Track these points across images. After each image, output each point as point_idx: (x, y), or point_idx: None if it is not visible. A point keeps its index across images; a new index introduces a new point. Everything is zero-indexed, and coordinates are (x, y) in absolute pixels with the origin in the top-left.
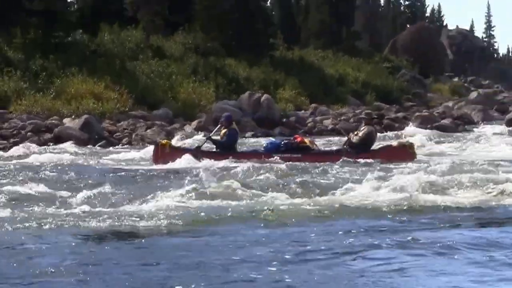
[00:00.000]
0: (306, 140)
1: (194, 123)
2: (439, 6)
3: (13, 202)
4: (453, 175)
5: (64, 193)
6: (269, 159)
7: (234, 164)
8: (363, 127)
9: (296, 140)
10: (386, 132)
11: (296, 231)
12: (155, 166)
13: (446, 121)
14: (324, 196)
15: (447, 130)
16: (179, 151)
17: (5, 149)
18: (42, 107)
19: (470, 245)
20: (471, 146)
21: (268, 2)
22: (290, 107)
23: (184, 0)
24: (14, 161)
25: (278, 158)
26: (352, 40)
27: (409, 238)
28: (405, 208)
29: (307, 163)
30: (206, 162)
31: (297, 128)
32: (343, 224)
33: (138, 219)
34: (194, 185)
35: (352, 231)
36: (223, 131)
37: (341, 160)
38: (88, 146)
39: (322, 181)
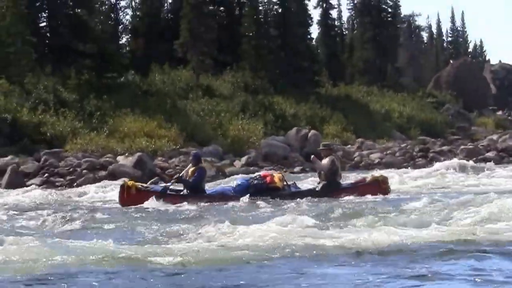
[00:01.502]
0: (276, 177)
1: (244, 159)
2: (481, 42)
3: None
4: (424, 209)
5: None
6: (238, 202)
7: (201, 207)
8: (325, 159)
9: (265, 180)
10: (433, 164)
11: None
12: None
13: (491, 154)
14: (297, 238)
15: (493, 162)
16: (145, 193)
17: (62, 186)
18: (96, 145)
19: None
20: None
21: (314, 41)
22: (337, 142)
23: (232, 40)
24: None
25: (247, 200)
26: (396, 76)
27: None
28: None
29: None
30: (172, 204)
31: (344, 162)
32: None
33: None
34: (154, 228)
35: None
36: (191, 169)
37: (312, 199)
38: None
39: (292, 222)
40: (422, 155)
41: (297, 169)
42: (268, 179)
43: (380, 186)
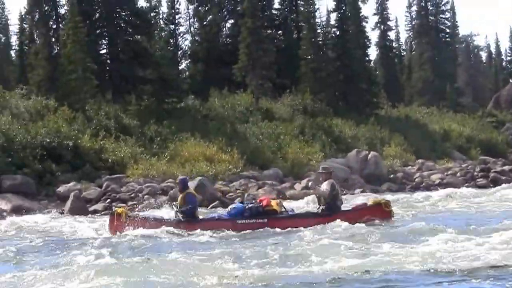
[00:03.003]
0: (273, 202)
1: (304, 181)
2: None
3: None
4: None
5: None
6: (233, 226)
7: (194, 233)
8: (324, 183)
9: (261, 204)
10: (494, 186)
11: None
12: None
13: None
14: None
15: None
16: (136, 220)
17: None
18: (157, 170)
19: None
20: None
21: (372, 62)
22: (397, 163)
23: (291, 63)
24: None
25: (242, 224)
26: (455, 96)
27: None
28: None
29: (273, 228)
30: (165, 231)
31: (404, 183)
32: None
33: None
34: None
35: None
36: (180, 196)
37: (310, 223)
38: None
39: (288, 249)
40: (483, 175)
41: (357, 190)
42: (264, 202)
43: (382, 210)
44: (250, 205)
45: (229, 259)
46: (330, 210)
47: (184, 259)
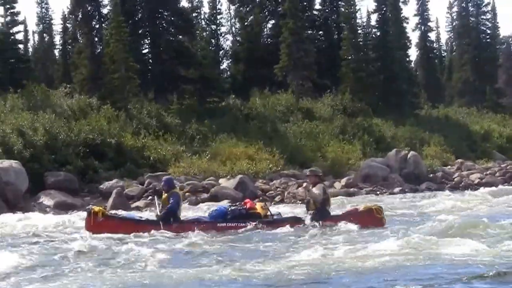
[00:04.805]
0: (258, 205)
1: (344, 180)
2: None
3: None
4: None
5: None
6: (214, 228)
7: (174, 235)
8: (314, 187)
9: (244, 206)
10: None
11: None
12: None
13: None
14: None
15: None
16: (113, 220)
17: None
18: (198, 168)
19: None
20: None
21: (412, 63)
22: (436, 163)
23: (331, 63)
24: None
25: (223, 226)
26: (496, 97)
27: None
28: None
29: (255, 231)
30: (144, 232)
31: (443, 183)
32: None
33: None
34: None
35: None
36: (164, 195)
37: (296, 227)
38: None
39: (272, 250)
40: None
41: (396, 189)
42: (248, 205)
43: (374, 216)
44: (233, 208)
45: (206, 260)
46: (320, 215)
47: (154, 261)
